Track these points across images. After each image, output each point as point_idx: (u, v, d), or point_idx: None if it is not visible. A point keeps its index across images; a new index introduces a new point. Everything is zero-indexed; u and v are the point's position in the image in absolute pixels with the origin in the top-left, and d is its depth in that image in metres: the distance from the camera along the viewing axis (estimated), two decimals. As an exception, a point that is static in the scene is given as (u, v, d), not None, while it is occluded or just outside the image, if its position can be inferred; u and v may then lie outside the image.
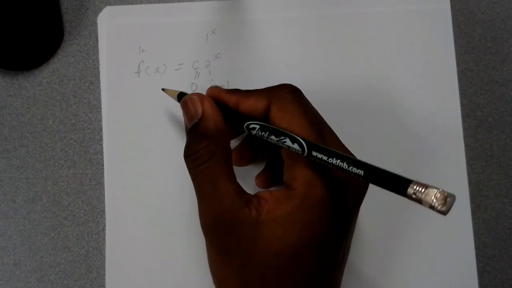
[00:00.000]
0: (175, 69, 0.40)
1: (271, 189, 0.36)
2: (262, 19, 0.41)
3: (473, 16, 0.42)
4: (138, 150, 0.39)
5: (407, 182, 0.25)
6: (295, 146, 0.29)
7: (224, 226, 0.29)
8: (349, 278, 0.37)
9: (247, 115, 0.32)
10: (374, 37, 0.41)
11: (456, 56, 0.41)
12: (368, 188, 0.31)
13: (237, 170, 0.31)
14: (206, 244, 0.31)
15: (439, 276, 0.38)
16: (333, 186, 0.29)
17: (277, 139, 0.30)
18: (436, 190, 0.24)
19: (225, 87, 0.40)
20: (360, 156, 0.29)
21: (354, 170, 0.26)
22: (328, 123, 0.32)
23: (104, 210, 0.39)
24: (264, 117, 0.31)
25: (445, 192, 0.24)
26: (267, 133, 0.30)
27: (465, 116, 0.41)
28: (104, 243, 0.38)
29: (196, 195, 0.31)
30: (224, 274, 0.30)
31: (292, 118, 0.30)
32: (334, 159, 0.27)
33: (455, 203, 0.24)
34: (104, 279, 0.38)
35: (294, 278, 0.28)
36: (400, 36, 0.41)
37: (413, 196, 0.24)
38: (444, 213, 0.23)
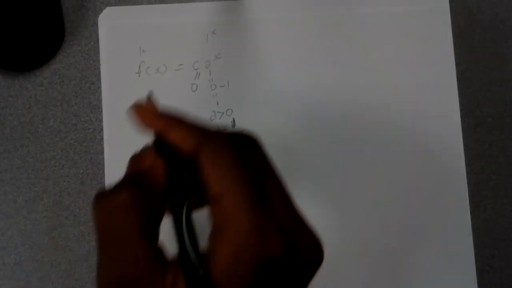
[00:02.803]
0: (176, 70, 0.40)
1: None
2: (262, 20, 0.41)
3: (473, 16, 0.42)
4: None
5: None
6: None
7: None
8: (349, 277, 0.37)
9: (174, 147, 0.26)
10: (374, 37, 0.41)
11: (456, 56, 0.41)
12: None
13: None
14: None
15: (439, 275, 0.38)
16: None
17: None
18: None
19: (225, 87, 0.40)
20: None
21: None
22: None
23: (104, 210, 0.39)
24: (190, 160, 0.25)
25: None
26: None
27: (464, 116, 0.41)
28: (104, 242, 0.38)
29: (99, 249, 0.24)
30: None
31: (223, 173, 0.24)
32: None
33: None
34: (105, 278, 0.38)
35: None
36: (400, 36, 0.41)
37: None
38: None
